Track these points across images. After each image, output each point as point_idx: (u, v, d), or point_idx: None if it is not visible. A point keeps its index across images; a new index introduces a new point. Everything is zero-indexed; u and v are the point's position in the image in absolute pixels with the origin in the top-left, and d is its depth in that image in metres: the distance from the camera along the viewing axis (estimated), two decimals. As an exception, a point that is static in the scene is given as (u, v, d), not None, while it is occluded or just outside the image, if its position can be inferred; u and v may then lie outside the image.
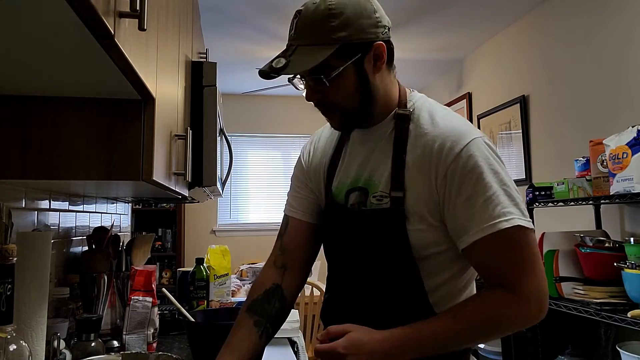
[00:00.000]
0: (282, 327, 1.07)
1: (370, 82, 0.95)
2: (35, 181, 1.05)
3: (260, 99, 4.79)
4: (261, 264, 3.92)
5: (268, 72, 0.91)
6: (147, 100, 0.93)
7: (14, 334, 0.74)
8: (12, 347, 0.73)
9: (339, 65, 0.90)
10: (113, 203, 2.09)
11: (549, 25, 2.99)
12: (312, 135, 1.18)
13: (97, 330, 1.19)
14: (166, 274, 4.69)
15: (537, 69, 3.11)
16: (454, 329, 0.88)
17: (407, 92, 1.03)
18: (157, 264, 4.61)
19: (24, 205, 1.23)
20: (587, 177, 2.20)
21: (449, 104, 4.34)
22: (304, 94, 0.99)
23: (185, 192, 1.47)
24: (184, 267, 3.47)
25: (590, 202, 2.19)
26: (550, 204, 2.36)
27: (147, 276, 1.44)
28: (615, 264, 1.88)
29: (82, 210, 1.68)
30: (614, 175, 1.95)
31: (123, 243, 1.71)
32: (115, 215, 2.15)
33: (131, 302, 1.40)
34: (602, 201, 2.14)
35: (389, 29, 0.96)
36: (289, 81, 1.01)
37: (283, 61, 0.90)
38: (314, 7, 0.91)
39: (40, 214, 1.33)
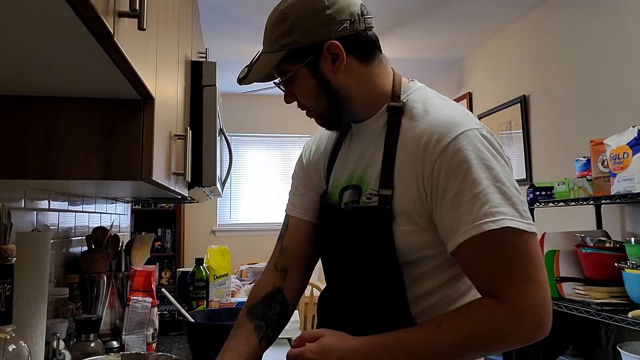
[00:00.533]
0: None
1: (331, 82, 0.91)
2: (34, 181, 1.05)
3: (260, 99, 4.78)
4: (261, 264, 3.93)
5: (238, 81, 0.95)
6: (146, 100, 0.93)
7: (13, 334, 0.74)
8: (12, 347, 0.73)
9: (291, 70, 0.90)
10: (112, 203, 2.08)
11: (549, 25, 2.98)
12: (315, 132, 1.16)
13: (97, 331, 1.19)
14: (166, 274, 4.69)
15: (537, 68, 3.10)
16: (436, 342, 0.80)
17: (405, 83, 0.96)
18: (157, 264, 4.61)
19: (23, 206, 1.22)
20: (588, 177, 2.20)
21: (449, 104, 4.34)
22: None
23: (185, 192, 1.46)
24: (183, 267, 3.47)
25: (591, 202, 2.18)
26: (550, 204, 2.36)
27: (146, 276, 1.44)
28: (615, 264, 1.88)
29: (81, 210, 1.68)
30: (614, 175, 1.95)
31: (122, 243, 1.71)
32: (115, 215, 2.14)
33: (131, 303, 1.40)
34: (602, 201, 2.13)
35: (352, 21, 0.89)
36: (275, 85, 0.99)
37: (245, 70, 0.94)
38: (271, 13, 0.92)
39: (39, 214, 1.33)
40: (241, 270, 4.00)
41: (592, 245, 2.10)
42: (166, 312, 1.82)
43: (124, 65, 0.72)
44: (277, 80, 0.97)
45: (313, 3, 0.88)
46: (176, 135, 1.24)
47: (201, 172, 1.57)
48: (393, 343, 0.82)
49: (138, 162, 0.92)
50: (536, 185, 2.43)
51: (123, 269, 1.62)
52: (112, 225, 1.83)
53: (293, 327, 1.69)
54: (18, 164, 0.89)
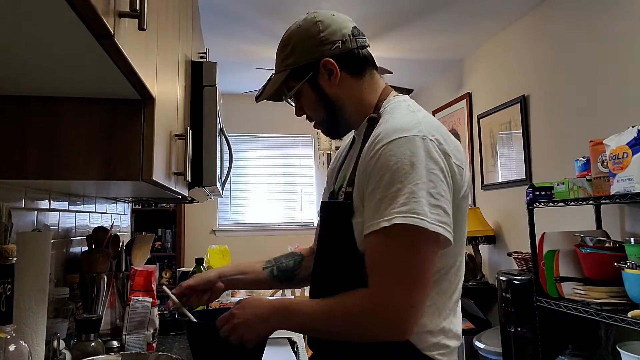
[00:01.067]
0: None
1: (328, 94, 1.05)
2: (35, 181, 1.05)
3: (260, 99, 4.79)
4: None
5: (256, 98, 1.15)
6: (146, 100, 0.93)
7: (14, 334, 0.74)
8: (12, 347, 0.73)
9: (295, 86, 1.06)
10: (113, 203, 2.09)
11: (549, 26, 2.98)
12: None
13: (97, 331, 1.19)
14: (166, 274, 4.69)
15: (537, 68, 3.11)
16: (315, 311, 0.93)
17: (390, 96, 1.06)
18: (157, 264, 4.61)
19: (23, 205, 1.23)
20: (588, 177, 2.20)
21: (448, 104, 4.35)
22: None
23: (185, 192, 1.47)
24: (183, 267, 3.47)
25: (591, 202, 2.19)
26: (550, 204, 2.36)
27: (146, 276, 1.44)
28: (615, 264, 1.88)
29: (81, 210, 1.68)
30: (614, 175, 1.95)
31: (123, 243, 1.71)
32: (115, 215, 2.14)
33: (131, 302, 1.40)
34: (602, 201, 2.13)
35: (344, 41, 1.04)
36: (287, 102, 1.13)
37: (260, 90, 1.12)
38: (279, 43, 1.10)
39: (40, 214, 1.33)
40: (241, 270, 4.00)
41: (591, 245, 2.10)
42: (166, 311, 1.82)
43: (124, 65, 0.72)
44: (288, 98, 1.12)
45: (309, 29, 1.05)
46: (176, 135, 1.24)
47: (201, 172, 1.57)
48: (292, 304, 0.99)
49: (138, 162, 0.92)
50: (536, 185, 2.43)
51: (123, 269, 1.62)
52: (112, 225, 1.83)
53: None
54: (18, 164, 0.89)
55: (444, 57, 4.07)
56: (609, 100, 2.48)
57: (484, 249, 3.66)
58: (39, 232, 1.22)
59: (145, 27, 0.66)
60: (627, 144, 1.90)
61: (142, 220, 4.63)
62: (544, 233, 2.29)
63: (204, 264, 1.94)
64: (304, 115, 1.12)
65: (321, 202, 1.13)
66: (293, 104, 1.11)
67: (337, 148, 4.62)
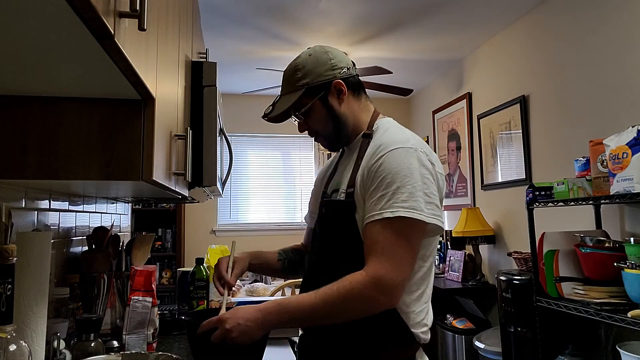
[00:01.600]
0: (281, 328, 1.14)
1: (336, 110, 1.23)
2: (35, 181, 1.05)
3: (260, 99, 4.79)
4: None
5: (264, 117, 1.28)
6: (147, 100, 0.93)
7: (14, 334, 0.74)
8: (12, 347, 0.73)
9: (308, 102, 1.22)
10: (113, 203, 2.09)
11: (549, 25, 2.99)
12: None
13: (97, 330, 1.19)
14: (166, 274, 4.69)
15: (537, 69, 3.11)
16: (314, 302, 1.03)
17: (379, 117, 1.27)
18: (157, 264, 4.61)
19: (24, 205, 1.23)
20: (587, 177, 2.20)
21: (448, 104, 4.35)
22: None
23: (185, 192, 1.47)
24: (184, 267, 3.47)
25: (590, 202, 2.19)
26: (550, 204, 2.36)
27: (147, 276, 1.45)
28: (615, 264, 1.88)
29: (82, 210, 1.68)
30: (614, 175, 1.95)
31: (123, 243, 1.71)
32: (115, 215, 2.15)
33: (131, 302, 1.40)
34: (602, 201, 2.13)
35: (348, 68, 1.25)
36: (292, 118, 1.30)
37: (270, 108, 1.27)
38: (288, 67, 1.26)
39: (40, 214, 1.33)
40: (241, 270, 4.00)
41: (591, 245, 2.10)
42: (166, 311, 1.82)
43: (125, 66, 0.72)
44: (301, 113, 1.27)
45: (321, 56, 1.24)
46: (176, 136, 1.24)
47: (201, 172, 1.57)
48: (288, 302, 1.07)
49: (138, 162, 0.92)
50: (535, 185, 2.43)
51: (123, 269, 1.62)
52: (112, 225, 1.83)
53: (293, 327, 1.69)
54: (18, 164, 0.89)
55: (444, 57, 4.07)
56: (609, 100, 2.48)
57: (483, 249, 3.67)
58: (40, 232, 1.22)
59: (145, 27, 0.66)
60: (627, 144, 1.90)
61: (142, 220, 4.63)
62: (543, 233, 2.29)
63: (204, 264, 1.94)
64: (312, 134, 1.28)
65: (324, 200, 1.24)
66: (299, 120, 1.26)
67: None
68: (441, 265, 4.00)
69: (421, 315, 1.14)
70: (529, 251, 2.49)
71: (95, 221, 1.83)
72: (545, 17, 3.03)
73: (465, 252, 3.69)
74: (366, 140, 1.21)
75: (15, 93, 0.90)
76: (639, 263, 1.80)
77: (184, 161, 1.34)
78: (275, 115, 1.25)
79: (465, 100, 4.04)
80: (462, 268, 3.63)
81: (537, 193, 2.41)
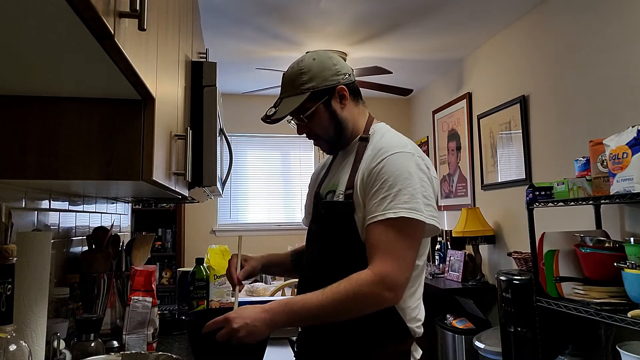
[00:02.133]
0: (287, 328, 1.19)
1: (339, 114, 1.27)
2: (35, 181, 1.05)
3: (260, 99, 4.79)
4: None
5: (264, 119, 1.28)
6: (147, 100, 0.93)
7: (14, 334, 0.74)
8: (12, 347, 0.73)
9: (312, 106, 1.24)
10: (113, 203, 2.09)
11: (549, 25, 2.99)
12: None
13: (97, 330, 1.19)
14: (166, 274, 4.69)
15: (537, 69, 3.11)
16: (322, 301, 1.05)
17: (374, 122, 1.32)
18: (157, 264, 4.61)
19: (24, 205, 1.23)
20: (587, 177, 2.20)
21: (448, 104, 4.35)
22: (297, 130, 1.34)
23: (185, 192, 1.47)
24: (184, 267, 3.47)
25: (590, 202, 2.19)
26: (550, 204, 2.36)
27: (147, 276, 1.45)
28: (615, 264, 1.88)
29: (82, 210, 1.68)
30: (614, 175, 1.95)
31: (123, 243, 1.71)
32: (115, 215, 2.15)
33: (131, 302, 1.40)
34: (602, 201, 2.13)
35: (349, 74, 1.29)
36: (287, 122, 1.34)
37: (273, 110, 1.28)
38: (291, 70, 1.28)
39: (40, 214, 1.33)
40: (241, 270, 4.00)
41: (591, 245, 2.10)
42: (166, 311, 1.82)
43: (125, 66, 0.72)
44: (289, 119, 1.31)
45: (325, 61, 1.26)
46: (176, 135, 1.24)
47: (201, 172, 1.57)
48: (294, 301, 1.09)
49: (138, 162, 0.92)
50: (535, 185, 2.43)
51: (123, 269, 1.62)
52: (112, 225, 1.83)
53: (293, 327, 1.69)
54: (18, 164, 0.89)
55: (444, 57, 4.07)
56: (609, 100, 2.48)
57: (483, 249, 3.67)
58: (40, 232, 1.22)
59: (145, 27, 0.66)
60: (626, 144, 1.90)
61: (142, 220, 4.63)
62: (543, 233, 2.29)
63: (204, 264, 1.94)
64: (311, 136, 1.31)
65: (324, 201, 1.26)
66: (297, 122, 1.30)
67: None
68: (441, 265, 4.00)
69: (416, 311, 1.18)
70: (529, 251, 2.49)
71: (95, 221, 1.83)
72: (545, 17, 3.03)
73: (465, 252, 3.69)
74: (363, 143, 1.25)
75: (15, 93, 0.90)
76: (639, 263, 1.79)
77: (184, 161, 1.34)
78: (279, 116, 1.27)
79: (465, 100, 4.04)
80: (462, 268, 3.63)
81: (537, 193, 2.41)
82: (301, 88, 1.24)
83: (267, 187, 5.17)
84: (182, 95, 1.39)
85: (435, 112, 4.65)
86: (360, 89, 1.37)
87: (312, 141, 1.34)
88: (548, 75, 2.99)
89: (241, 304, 1.23)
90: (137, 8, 0.64)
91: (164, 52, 1.06)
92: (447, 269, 3.85)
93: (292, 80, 1.26)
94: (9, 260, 0.74)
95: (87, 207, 1.73)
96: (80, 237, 1.67)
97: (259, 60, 4.01)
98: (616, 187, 1.94)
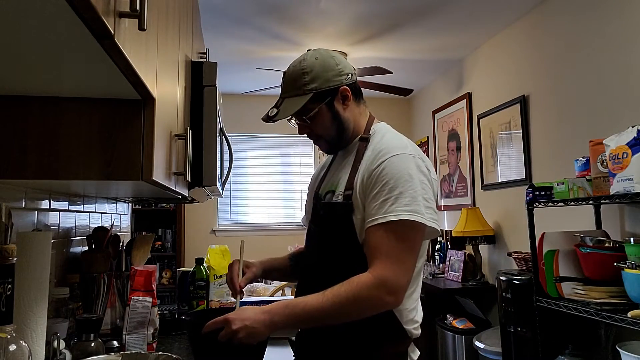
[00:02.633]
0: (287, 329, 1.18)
1: (341, 115, 1.26)
2: (35, 181, 1.05)
3: (260, 99, 4.79)
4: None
5: (266, 119, 1.27)
6: (147, 100, 0.93)
7: (14, 334, 0.74)
8: (12, 347, 0.73)
9: (315, 107, 1.23)
10: (113, 203, 2.09)
11: (549, 26, 2.99)
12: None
13: (97, 330, 1.19)
14: (166, 274, 4.69)
15: (537, 69, 3.11)
16: (321, 303, 1.05)
17: (374, 122, 1.31)
18: (157, 264, 4.61)
19: (24, 205, 1.23)
20: (587, 177, 2.20)
21: (448, 104, 4.35)
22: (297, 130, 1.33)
23: (185, 192, 1.47)
24: (184, 267, 3.47)
25: (590, 202, 2.19)
26: (550, 204, 2.36)
27: (147, 276, 1.44)
28: (615, 264, 1.88)
29: (82, 210, 1.68)
30: (614, 175, 1.95)
31: (123, 243, 1.71)
32: (115, 215, 2.15)
33: (131, 302, 1.40)
34: (602, 201, 2.13)
35: (352, 74, 1.27)
36: (288, 121, 1.31)
37: (275, 110, 1.27)
38: (293, 69, 1.25)
39: (40, 214, 1.33)
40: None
41: (591, 245, 2.10)
42: (167, 311, 1.82)
43: (125, 66, 0.72)
44: (288, 118, 1.29)
45: (328, 61, 1.24)
46: (176, 135, 1.24)
47: (201, 172, 1.57)
48: (294, 303, 1.08)
49: (138, 162, 0.92)
50: (535, 185, 2.43)
51: (123, 269, 1.62)
52: (112, 225, 1.83)
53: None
54: (18, 163, 0.89)
55: (444, 57, 4.07)
56: (609, 100, 2.48)
57: (483, 248, 3.67)
58: (40, 232, 1.22)
59: (145, 27, 0.66)
60: (626, 144, 1.90)
61: (142, 220, 4.63)
62: (543, 233, 2.29)
63: (204, 264, 1.94)
64: (312, 136, 1.29)
65: (323, 202, 1.25)
66: (298, 122, 1.28)
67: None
68: (441, 265, 4.00)
69: (413, 313, 1.18)
70: (529, 251, 2.49)
71: (95, 221, 1.83)
72: (545, 17, 3.03)
73: (465, 252, 3.69)
74: (363, 144, 1.24)
75: (15, 93, 0.90)
76: (639, 263, 1.79)
77: (184, 161, 1.34)
78: (282, 117, 1.26)
79: (465, 100, 4.04)
80: (462, 268, 3.63)
81: (537, 193, 2.41)
82: (304, 89, 1.22)
83: (267, 187, 5.17)
84: (182, 95, 1.39)
85: (435, 112, 4.65)
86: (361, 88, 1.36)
87: (312, 141, 1.33)
88: (548, 75, 2.99)
89: (241, 304, 1.23)
90: (137, 8, 0.64)
91: (164, 52, 1.06)
92: (447, 269, 3.85)
93: (294, 80, 1.24)
94: (9, 260, 0.74)
95: (87, 207, 1.73)
96: (80, 237, 1.67)
97: (259, 60, 4.01)
98: (616, 187, 1.94)
